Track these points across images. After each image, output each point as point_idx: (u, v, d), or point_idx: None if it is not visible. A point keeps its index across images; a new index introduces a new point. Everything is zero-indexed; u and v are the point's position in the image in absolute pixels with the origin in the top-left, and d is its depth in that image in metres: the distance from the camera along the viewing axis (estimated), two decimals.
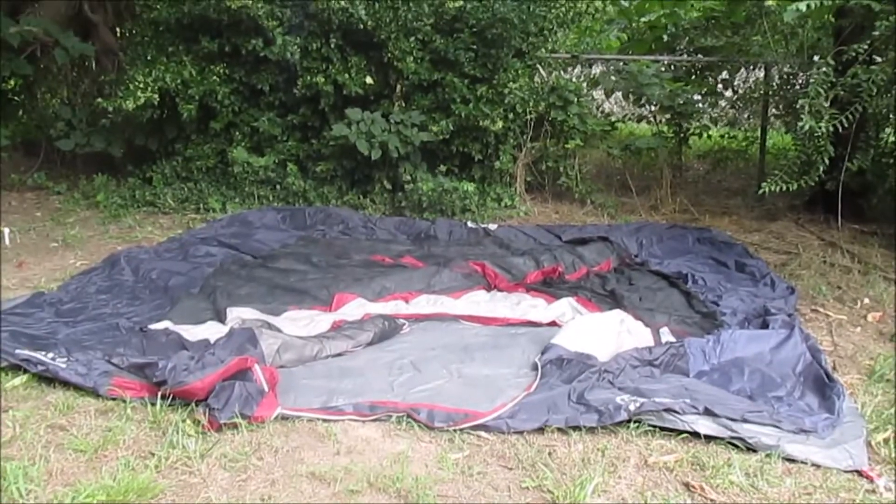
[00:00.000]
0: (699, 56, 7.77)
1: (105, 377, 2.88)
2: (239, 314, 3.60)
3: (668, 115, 7.09)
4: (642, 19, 8.58)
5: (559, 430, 2.66)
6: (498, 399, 2.79)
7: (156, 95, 6.08)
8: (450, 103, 6.09)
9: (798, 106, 4.33)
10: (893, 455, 2.53)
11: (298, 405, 2.77)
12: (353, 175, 6.31)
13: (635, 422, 2.66)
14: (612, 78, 7.43)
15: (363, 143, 5.81)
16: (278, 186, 6.22)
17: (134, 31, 7.25)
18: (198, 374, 2.73)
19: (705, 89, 7.85)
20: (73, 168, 7.19)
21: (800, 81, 6.60)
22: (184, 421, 2.65)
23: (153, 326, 3.47)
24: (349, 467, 2.42)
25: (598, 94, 8.36)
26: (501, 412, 2.70)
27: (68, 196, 6.47)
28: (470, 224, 5.61)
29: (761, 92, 7.07)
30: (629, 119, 8.34)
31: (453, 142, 6.22)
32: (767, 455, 2.48)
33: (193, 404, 2.72)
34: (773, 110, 7.24)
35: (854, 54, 4.22)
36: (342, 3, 5.78)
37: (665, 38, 8.28)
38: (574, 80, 7.09)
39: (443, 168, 6.22)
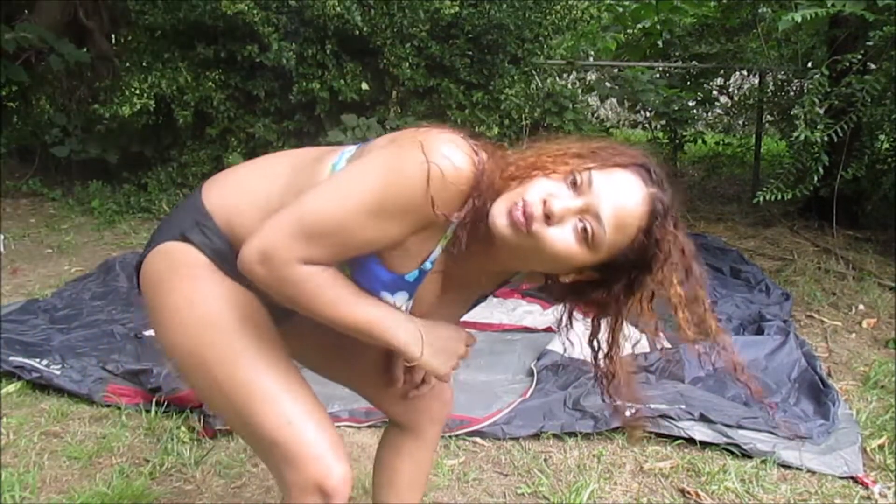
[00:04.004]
0: (694, 62, 7.80)
1: (100, 384, 2.87)
2: None
3: (662, 122, 7.11)
4: (637, 26, 8.62)
5: (555, 436, 2.66)
6: (494, 405, 2.79)
7: (151, 102, 6.09)
8: (445, 109, 6.09)
9: (793, 114, 4.34)
10: (888, 461, 2.53)
11: None
12: None
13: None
14: (608, 84, 7.46)
15: None
16: None
17: (129, 38, 7.26)
18: None
19: (700, 96, 7.89)
20: (67, 174, 7.17)
21: (794, 88, 6.63)
22: (178, 428, 2.64)
23: (148, 333, 3.45)
24: None
25: (594, 100, 8.39)
26: (497, 418, 2.69)
27: (63, 202, 6.46)
28: None
29: (756, 98, 7.10)
30: (624, 125, 8.38)
31: None
32: (763, 461, 2.49)
33: (188, 411, 2.71)
34: (768, 117, 7.27)
35: (848, 64, 4.24)
36: (338, 9, 5.79)
37: (660, 44, 8.31)
38: (569, 86, 7.11)
39: None
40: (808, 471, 2.46)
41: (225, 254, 1.28)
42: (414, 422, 1.59)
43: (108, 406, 2.81)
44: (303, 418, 1.23)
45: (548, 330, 3.66)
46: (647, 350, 3.31)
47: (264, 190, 1.29)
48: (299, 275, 1.14)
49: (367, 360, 1.53)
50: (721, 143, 7.84)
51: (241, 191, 1.33)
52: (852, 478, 2.43)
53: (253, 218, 1.24)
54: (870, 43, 4.17)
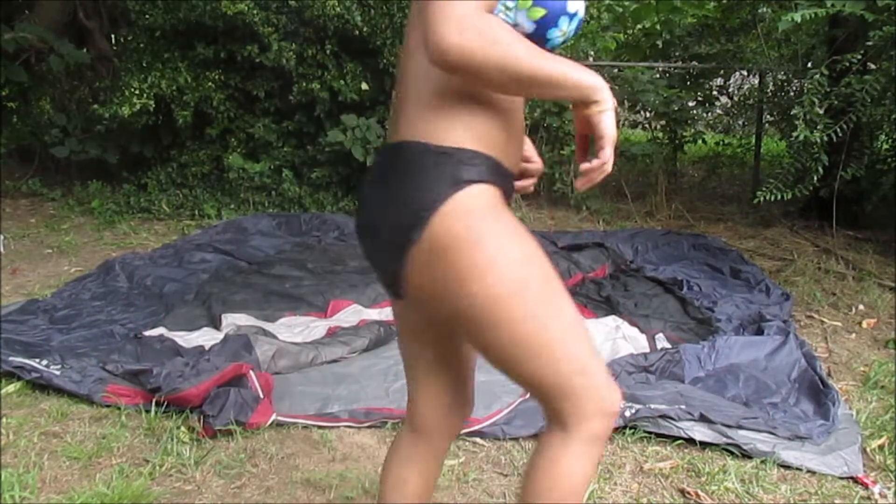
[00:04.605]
0: (694, 63, 7.80)
1: (99, 384, 2.87)
2: (234, 320, 3.60)
3: (662, 122, 7.11)
4: (637, 26, 8.62)
5: None
6: (493, 405, 2.79)
7: (151, 102, 6.10)
8: None
9: (793, 114, 4.35)
10: (888, 461, 2.53)
11: (293, 412, 2.77)
12: (348, 181, 6.31)
13: (631, 428, 2.66)
14: (607, 84, 7.45)
15: (358, 150, 5.82)
16: (273, 192, 6.22)
17: (129, 38, 7.27)
18: (192, 381, 2.72)
19: (700, 96, 7.89)
20: (67, 174, 7.18)
21: (794, 88, 6.64)
22: (178, 428, 2.65)
23: (148, 333, 3.46)
24: (344, 474, 2.42)
25: None
26: (497, 418, 2.70)
27: (63, 203, 6.46)
28: None
29: (756, 98, 7.10)
30: (624, 125, 8.38)
31: None
32: (763, 461, 2.49)
33: (188, 411, 2.71)
34: (768, 117, 7.28)
35: (848, 64, 4.24)
36: (338, 9, 5.80)
37: (660, 44, 8.32)
38: None
39: None
40: (808, 471, 2.46)
41: (495, 164, 1.28)
42: (435, 428, 1.58)
43: (108, 406, 2.81)
44: (592, 362, 1.31)
45: None
46: (648, 350, 3.33)
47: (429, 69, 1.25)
48: (493, 23, 1.13)
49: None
50: (721, 143, 7.84)
51: (428, 97, 1.28)
52: (852, 478, 2.43)
53: (458, 84, 1.24)
54: (869, 43, 4.17)
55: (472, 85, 1.23)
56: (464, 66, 1.13)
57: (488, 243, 1.23)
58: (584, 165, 1.26)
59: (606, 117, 1.23)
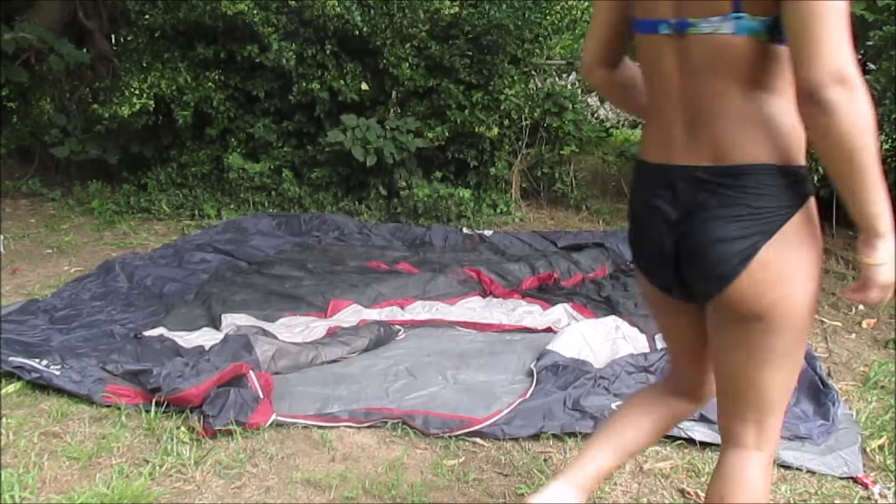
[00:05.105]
0: None
1: (99, 384, 2.87)
2: (234, 320, 3.60)
3: None
4: None
5: (555, 436, 2.66)
6: (493, 405, 2.79)
7: (151, 102, 6.08)
8: (445, 110, 6.09)
9: None
10: (888, 461, 2.53)
11: (294, 412, 2.77)
12: (348, 181, 6.31)
13: None
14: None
15: (358, 150, 5.82)
16: (273, 193, 6.22)
17: (129, 38, 7.25)
18: (192, 381, 2.73)
19: None
20: (67, 175, 7.18)
21: None
22: (178, 428, 2.65)
23: (148, 333, 3.46)
24: (344, 474, 2.42)
25: (594, 100, 8.39)
26: (497, 419, 2.70)
27: (63, 203, 6.46)
28: (465, 230, 5.61)
29: None
30: (624, 125, 8.37)
31: (449, 148, 6.22)
32: None
33: (188, 411, 2.72)
34: None
35: None
36: (338, 9, 5.79)
37: None
38: (569, 86, 7.10)
39: (438, 174, 6.23)
40: (808, 471, 2.46)
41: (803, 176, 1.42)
42: (694, 391, 1.75)
43: (108, 406, 2.81)
44: None
45: (547, 330, 3.66)
46: (647, 350, 3.33)
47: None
48: (869, 109, 1.25)
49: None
50: None
51: (763, 121, 1.39)
52: (852, 478, 2.43)
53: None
54: (870, 43, 4.17)
55: (807, 125, 1.32)
56: (830, 127, 1.24)
57: (814, 250, 1.41)
58: (848, 293, 1.42)
59: (871, 271, 1.33)
